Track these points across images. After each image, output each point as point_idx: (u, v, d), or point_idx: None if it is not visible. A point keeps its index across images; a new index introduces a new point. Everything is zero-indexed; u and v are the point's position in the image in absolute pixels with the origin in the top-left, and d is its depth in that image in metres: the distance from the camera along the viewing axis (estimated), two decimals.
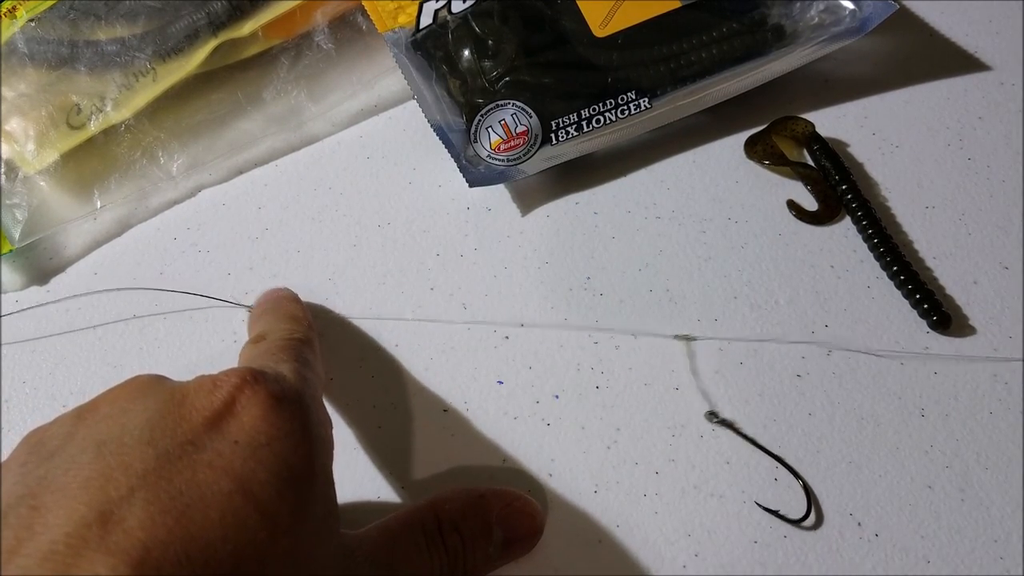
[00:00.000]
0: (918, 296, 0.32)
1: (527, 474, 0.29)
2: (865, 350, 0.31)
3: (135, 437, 0.20)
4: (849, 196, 0.34)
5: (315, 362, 0.27)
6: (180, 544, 0.18)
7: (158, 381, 0.23)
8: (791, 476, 0.29)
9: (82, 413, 0.22)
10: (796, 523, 0.28)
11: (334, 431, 0.29)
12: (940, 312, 0.32)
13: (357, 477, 0.29)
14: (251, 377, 0.22)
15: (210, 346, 0.33)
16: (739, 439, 0.30)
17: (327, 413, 0.25)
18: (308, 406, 0.23)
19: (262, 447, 0.21)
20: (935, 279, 0.33)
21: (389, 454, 0.30)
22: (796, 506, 0.28)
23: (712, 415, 0.30)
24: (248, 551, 0.19)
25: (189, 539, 0.19)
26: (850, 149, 0.37)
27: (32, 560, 0.18)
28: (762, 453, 0.29)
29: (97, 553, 0.18)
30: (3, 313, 0.34)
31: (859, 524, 0.28)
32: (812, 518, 0.28)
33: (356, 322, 0.33)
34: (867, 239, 0.33)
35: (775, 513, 0.28)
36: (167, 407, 0.21)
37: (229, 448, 0.20)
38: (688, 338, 0.31)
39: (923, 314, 0.32)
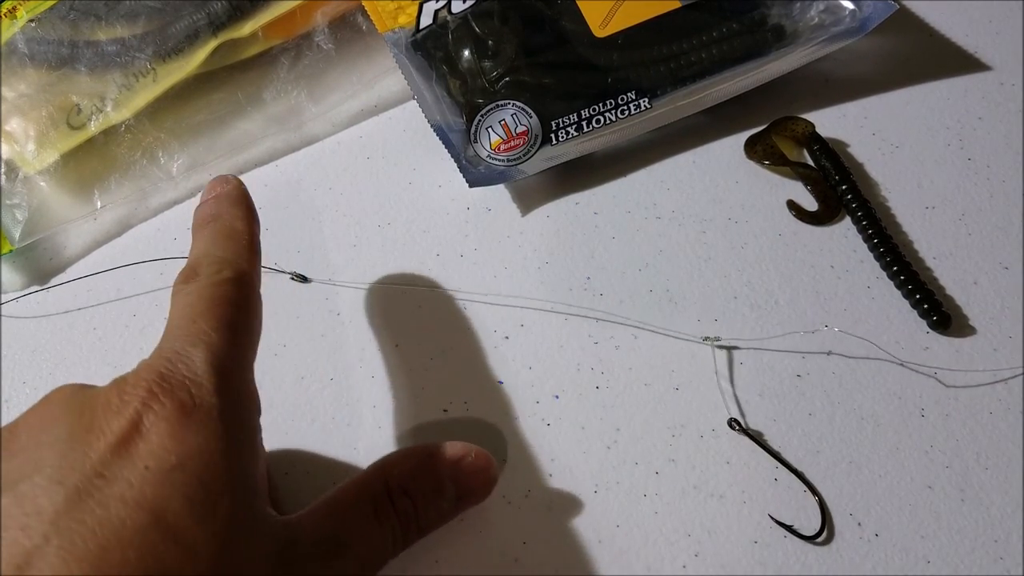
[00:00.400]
0: (918, 296, 0.32)
1: (527, 474, 0.29)
2: (867, 352, 0.31)
3: (46, 476, 0.19)
4: (849, 196, 0.34)
5: (247, 313, 0.25)
6: None
7: (73, 396, 0.22)
8: (791, 476, 0.29)
9: (4, 442, 0.21)
10: (810, 539, 0.28)
11: (334, 431, 0.29)
12: (940, 312, 0.32)
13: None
14: (157, 388, 0.21)
15: None
16: (741, 440, 0.30)
17: (252, 387, 0.24)
18: (221, 405, 0.22)
19: (174, 470, 0.20)
20: (935, 279, 0.33)
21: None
22: (795, 506, 0.28)
23: (735, 422, 0.29)
24: None
25: None
26: (850, 149, 0.37)
27: None
28: (765, 454, 0.29)
29: None
30: (3, 301, 0.34)
31: (859, 524, 0.28)
32: (825, 534, 0.28)
33: (356, 322, 0.33)
34: (867, 239, 0.33)
35: (789, 528, 0.28)
36: (75, 434, 0.20)
37: (139, 476, 0.20)
38: (719, 345, 0.31)
39: (923, 314, 0.32)
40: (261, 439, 0.24)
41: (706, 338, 0.31)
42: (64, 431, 0.21)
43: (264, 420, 0.31)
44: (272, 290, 0.34)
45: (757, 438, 0.29)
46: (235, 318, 0.24)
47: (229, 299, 0.24)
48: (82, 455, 0.20)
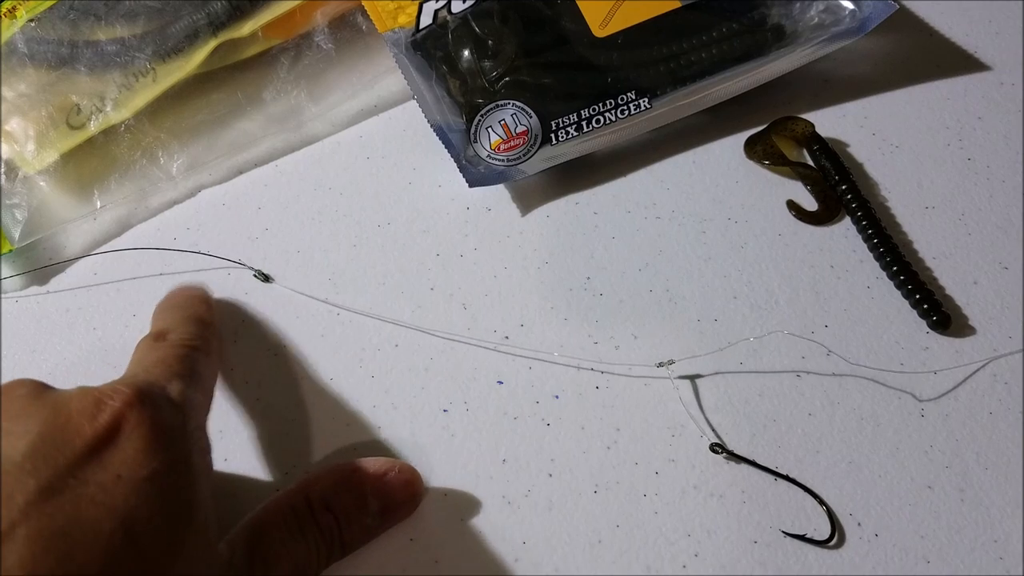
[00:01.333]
0: (918, 296, 0.32)
1: (527, 474, 0.29)
2: (856, 363, 0.31)
3: (16, 465, 0.20)
4: (849, 196, 0.34)
5: (208, 378, 0.27)
6: None
7: (39, 393, 0.22)
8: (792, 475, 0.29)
9: None
10: (823, 544, 0.28)
11: (334, 431, 0.29)
12: (940, 312, 0.32)
13: None
14: (137, 400, 0.22)
15: None
16: (741, 440, 0.30)
17: (208, 439, 0.25)
18: (191, 435, 0.23)
19: (144, 481, 0.20)
20: (935, 279, 0.33)
21: (389, 454, 0.30)
22: (795, 506, 0.28)
23: (717, 447, 0.29)
24: None
25: None
26: (850, 149, 0.37)
27: None
28: (757, 453, 0.29)
29: None
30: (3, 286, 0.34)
31: (859, 524, 0.28)
32: (836, 539, 0.28)
33: (356, 322, 0.33)
34: (867, 239, 0.33)
35: (802, 538, 0.28)
36: (48, 430, 0.21)
37: (112, 482, 0.20)
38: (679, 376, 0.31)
39: (923, 314, 0.32)
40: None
41: (660, 364, 0.31)
42: (35, 426, 0.21)
43: (264, 421, 0.31)
44: (272, 290, 0.34)
45: (746, 459, 0.29)
46: (199, 375, 0.26)
47: (195, 360, 0.26)
48: (56, 452, 0.20)
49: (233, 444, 0.30)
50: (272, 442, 0.30)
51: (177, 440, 0.22)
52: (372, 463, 0.28)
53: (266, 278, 0.34)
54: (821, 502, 0.28)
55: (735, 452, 0.29)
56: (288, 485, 0.27)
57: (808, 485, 0.29)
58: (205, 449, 0.24)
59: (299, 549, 0.25)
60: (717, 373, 0.31)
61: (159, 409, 0.22)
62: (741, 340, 0.32)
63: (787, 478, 0.29)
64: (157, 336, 0.28)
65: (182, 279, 0.34)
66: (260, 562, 0.24)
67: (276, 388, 0.31)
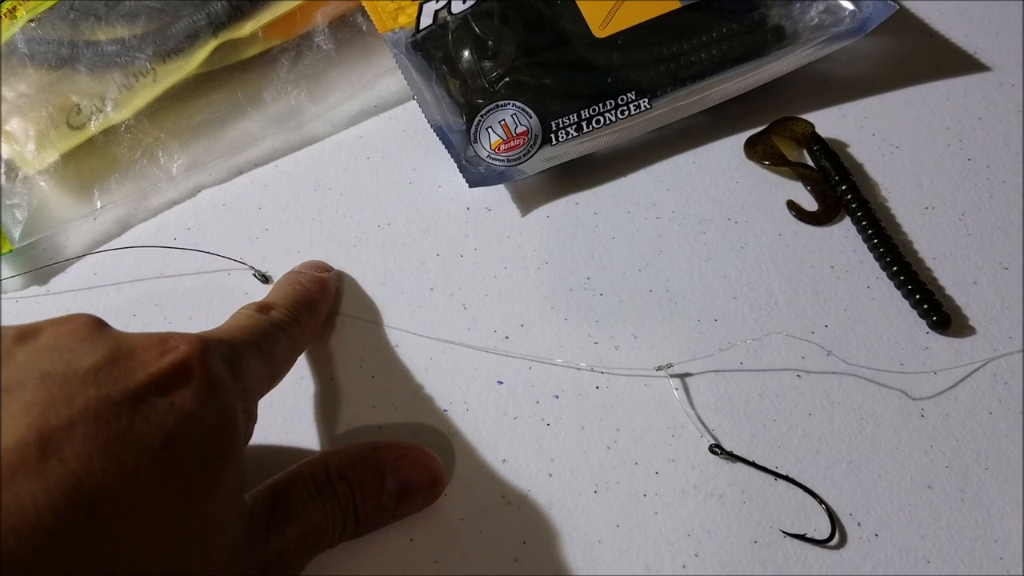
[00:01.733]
0: (918, 296, 0.32)
1: (527, 474, 0.29)
2: (854, 363, 0.31)
3: (79, 376, 0.21)
4: (849, 197, 0.34)
5: (283, 359, 0.28)
6: (112, 483, 0.19)
7: (101, 327, 0.24)
8: (789, 476, 0.29)
9: (23, 335, 0.22)
10: (822, 543, 0.28)
11: (335, 430, 0.29)
12: (940, 312, 0.32)
13: None
14: (200, 349, 0.23)
15: None
16: (741, 440, 0.30)
17: (256, 409, 0.26)
18: (239, 396, 0.24)
19: (194, 416, 0.22)
20: (935, 279, 0.33)
21: None
22: (795, 506, 0.28)
23: (716, 448, 0.29)
24: (165, 503, 0.20)
25: (120, 480, 0.19)
26: (850, 149, 0.37)
27: None
28: (757, 453, 0.29)
29: (32, 475, 0.18)
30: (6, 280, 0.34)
31: (859, 524, 0.28)
32: (837, 538, 0.28)
33: (356, 322, 0.33)
34: (867, 239, 0.33)
35: (802, 537, 0.28)
36: (113, 356, 0.22)
37: (165, 407, 0.21)
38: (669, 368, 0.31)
39: (923, 314, 0.32)
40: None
41: (659, 368, 0.31)
42: (101, 350, 0.22)
43: (264, 420, 0.31)
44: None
45: (745, 459, 0.29)
46: (274, 353, 0.27)
47: (277, 339, 0.28)
48: (119, 374, 0.21)
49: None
50: (272, 442, 0.30)
51: (227, 393, 0.23)
52: (393, 443, 0.28)
53: (265, 279, 0.34)
54: (820, 501, 0.28)
55: (733, 452, 0.29)
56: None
57: (808, 485, 0.29)
58: (250, 415, 0.25)
59: (315, 510, 0.25)
60: (717, 373, 0.31)
61: (217, 362, 0.24)
62: (739, 342, 0.32)
63: (786, 478, 0.29)
64: (261, 308, 0.29)
65: (182, 279, 0.34)
66: (279, 516, 0.25)
67: (276, 388, 0.31)
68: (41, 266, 0.35)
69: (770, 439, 0.30)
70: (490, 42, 0.35)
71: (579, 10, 0.36)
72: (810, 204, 0.35)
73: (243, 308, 0.29)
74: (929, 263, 0.34)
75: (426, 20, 0.36)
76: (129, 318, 0.33)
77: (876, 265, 0.33)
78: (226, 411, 0.23)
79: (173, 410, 0.21)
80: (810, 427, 0.30)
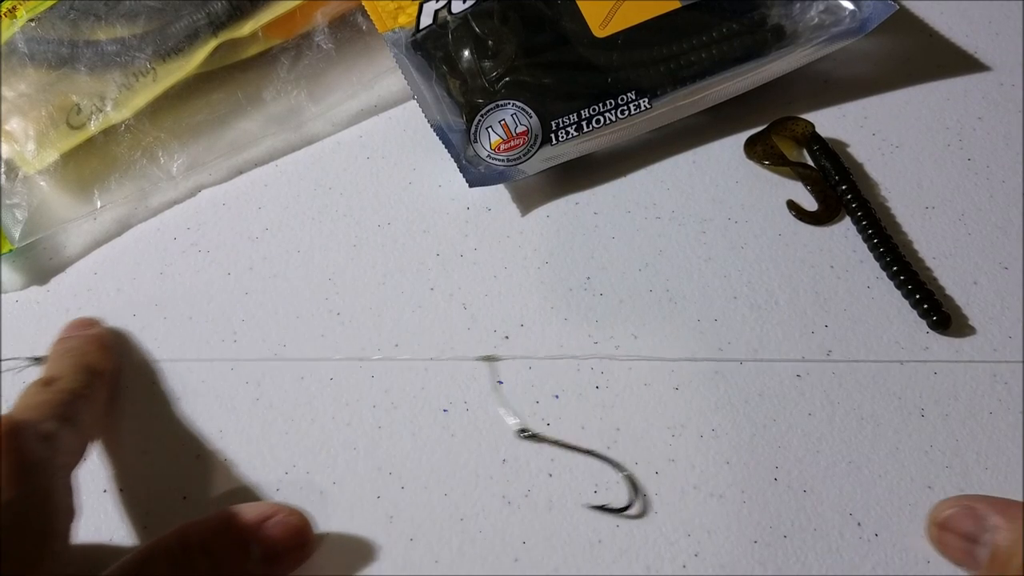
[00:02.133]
0: (918, 296, 0.32)
1: (527, 474, 0.29)
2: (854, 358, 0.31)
3: None
4: (849, 196, 0.34)
5: (87, 424, 0.28)
6: None
7: None
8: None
9: None
10: (620, 512, 0.28)
11: (334, 431, 0.29)
12: (940, 312, 0.32)
13: (358, 477, 0.29)
14: (9, 430, 0.22)
15: None
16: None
17: (71, 488, 0.25)
18: (55, 472, 0.23)
19: (6, 506, 0.21)
20: (935, 279, 0.33)
21: (389, 454, 0.30)
22: (795, 507, 0.28)
23: (522, 431, 0.29)
24: None
25: None
26: (850, 149, 0.37)
27: None
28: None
29: None
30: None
31: (859, 524, 0.28)
32: (636, 507, 0.28)
33: (356, 322, 0.33)
34: (867, 239, 0.33)
35: (603, 508, 0.28)
36: None
37: None
38: (492, 359, 0.31)
39: (923, 314, 0.32)
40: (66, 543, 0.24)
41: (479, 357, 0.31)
42: None
43: (264, 420, 0.31)
44: (271, 289, 0.34)
45: (544, 437, 0.29)
46: (77, 420, 0.27)
47: (76, 406, 0.27)
48: None
49: (233, 444, 0.30)
50: (272, 442, 0.30)
51: (40, 474, 0.22)
52: (254, 507, 0.27)
53: (37, 360, 0.32)
54: (621, 469, 0.28)
55: (538, 433, 0.29)
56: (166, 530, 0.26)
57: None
58: (69, 488, 0.24)
59: None
60: (717, 372, 0.31)
61: (25, 441, 0.23)
62: (739, 342, 0.32)
63: (589, 452, 0.29)
64: (45, 382, 0.28)
65: (182, 279, 0.34)
66: None
67: (276, 388, 0.31)
68: (41, 267, 0.34)
69: (770, 439, 0.30)
70: (490, 42, 0.35)
71: (579, 10, 0.36)
72: (810, 204, 0.35)
73: (27, 388, 0.28)
74: (929, 263, 0.34)
75: (426, 20, 0.36)
76: (129, 318, 0.33)
77: (876, 265, 0.33)
78: (43, 494, 0.22)
79: None
80: (810, 427, 0.30)
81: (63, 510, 0.23)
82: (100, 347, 0.31)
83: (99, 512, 0.29)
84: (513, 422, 0.29)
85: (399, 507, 0.29)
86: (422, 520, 0.29)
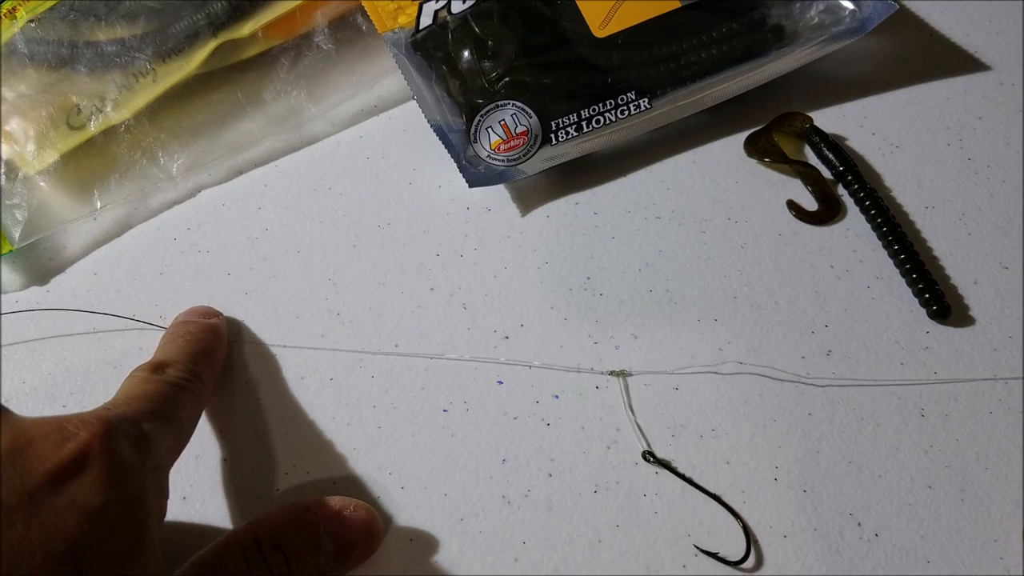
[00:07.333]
0: (921, 285, 0.32)
1: (527, 474, 0.29)
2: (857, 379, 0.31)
3: None
4: (849, 178, 0.34)
5: (188, 422, 0.27)
6: None
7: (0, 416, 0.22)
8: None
9: None
10: (735, 564, 0.27)
11: (334, 431, 0.29)
12: (940, 301, 0.32)
13: (358, 478, 0.29)
14: (103, 433, 0.22)
15: None
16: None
17: (167, 483, 0.25)
18: (148, 475, 0.23)
19: (98, 511, 0.20)
20: (935, 279, 0.33)
21: (389, 454, 0.30)
22: (794, 507, 0.28)
23: (649, 455, 0.29)
24: None
25: None
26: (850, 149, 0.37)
27: None
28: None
29: None
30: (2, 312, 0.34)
31: (859, 524, 0.28)
32: (752, 560, 0.27)
33: (356, 322, 0.33)
34: (870, 219, 0.34)
35: (715, 556, 0.27)
36: (8, 452, 0.20)
37: (65, 506, 0.20)
38: (623, 374, 0.31)
39: (924, 303, 0.32)
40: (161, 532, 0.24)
41: (612, 372, 0.30)
42: None
43: (264, 420, 0.31)
44: (271, 289, 0.34)
45: (669, 466, 0.29)
46: (178, 419, 0.26)
47: (180, 402, 0.26)
48: (14, 473, 0.20)
49: (234, 444, 0.30)
50: (272, 442, 0.30)
51: (134, 477, 0.22)
52: (327, 501, 0.27)
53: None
54: (737, 517, 0.28)
55: (668, 463, 0.29)
56: (239, 524, 0.26)
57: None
58: (162, 491, 0.24)
59: None
60: (716, 373, 0.31)
61: (121, 444, 0.22)
62: (739, 342, 0.32)
63: (715, 497, 0.28)
64: (155, 367, 0.27)
65: (182, 279, 0.34)
66: None
67: (276, 388, 0.31)
68: (40, 268, 0.35)
69: (770, 439, 0.30)
70: (490, 42, 0.35)
71: (579, 10, 0.36)
72: (810, 204, 0.35)
73: (136, 371, 0.27)
74: (929, 263, 0.34)
75: (426, 20, 0.36)
76: (129, 318, 0.33)
77: (876, 265, 0.33)
78: (135, 499, 0.21)
79: (75, 508, 0.20)
80: (810, 427, 0.30)
81: (155, 513, 0.22)
82: (217, 337, 0.31)
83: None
84: (642, 443, 0.29)
85: (399, 507, 0.29)
86: (422, 520, 0.29)
